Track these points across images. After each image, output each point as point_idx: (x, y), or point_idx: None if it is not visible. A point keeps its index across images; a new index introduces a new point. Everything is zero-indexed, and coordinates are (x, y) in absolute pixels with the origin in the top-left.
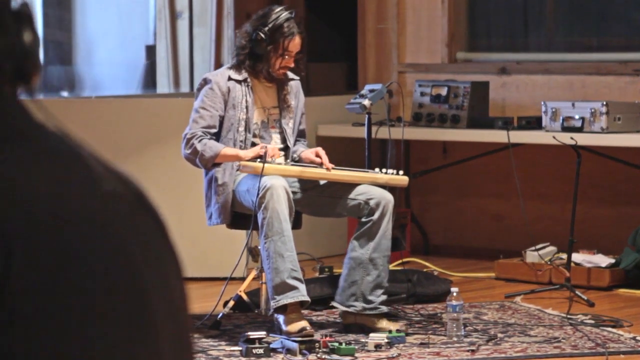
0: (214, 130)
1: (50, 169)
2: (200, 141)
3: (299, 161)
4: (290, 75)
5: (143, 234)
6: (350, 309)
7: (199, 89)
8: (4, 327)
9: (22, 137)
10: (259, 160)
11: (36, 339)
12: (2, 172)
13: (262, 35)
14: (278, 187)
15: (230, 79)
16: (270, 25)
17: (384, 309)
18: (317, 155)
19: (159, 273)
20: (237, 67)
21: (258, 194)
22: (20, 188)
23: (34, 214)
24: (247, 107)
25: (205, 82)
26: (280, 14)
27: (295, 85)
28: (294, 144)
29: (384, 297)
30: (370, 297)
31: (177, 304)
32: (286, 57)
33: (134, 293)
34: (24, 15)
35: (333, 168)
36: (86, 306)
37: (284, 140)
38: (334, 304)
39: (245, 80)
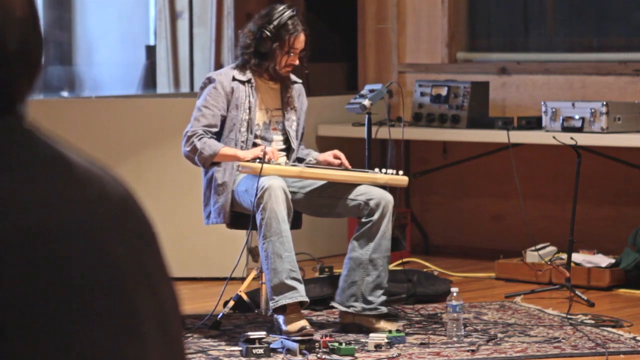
0: (215, 129)
1: (36, 176)
2: (200, 139)
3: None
4: (294, 78)
5: (129, 239)
6: (350, 310)
7: (203, 88)
8: None
9: (8, 146)
10: (258, 160)
11: (25, 348)
12: None
13: (268, 33)
14: (276, 187)
15: (234, 79)
16: (275, 23)
17: (384, 309)
18: (336, 157)
19: (145, 278)
20: (242, 67)
21: (256, 195)
22: (5, 198)
23: (20, 225)
24: (249, 108)
25: (210, 80)
26: (284, 12)
27: (298, 88)
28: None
29: (383, 298)
30: (370, 298)
31: (166, 308)
32: (291, 54)
33: (121, 301)
34: None
35: (332, 168)
36: (72, 315)
37: (285, 141)
38: (333, 304)
39: (249, 81)
